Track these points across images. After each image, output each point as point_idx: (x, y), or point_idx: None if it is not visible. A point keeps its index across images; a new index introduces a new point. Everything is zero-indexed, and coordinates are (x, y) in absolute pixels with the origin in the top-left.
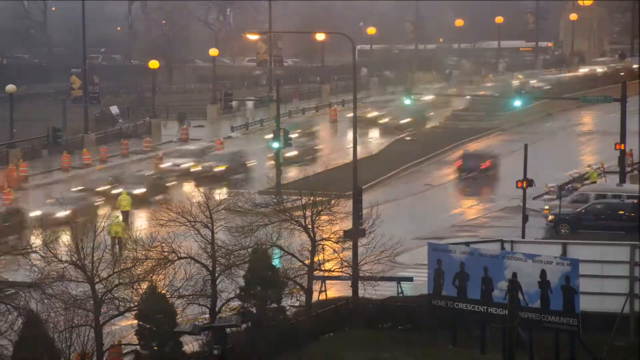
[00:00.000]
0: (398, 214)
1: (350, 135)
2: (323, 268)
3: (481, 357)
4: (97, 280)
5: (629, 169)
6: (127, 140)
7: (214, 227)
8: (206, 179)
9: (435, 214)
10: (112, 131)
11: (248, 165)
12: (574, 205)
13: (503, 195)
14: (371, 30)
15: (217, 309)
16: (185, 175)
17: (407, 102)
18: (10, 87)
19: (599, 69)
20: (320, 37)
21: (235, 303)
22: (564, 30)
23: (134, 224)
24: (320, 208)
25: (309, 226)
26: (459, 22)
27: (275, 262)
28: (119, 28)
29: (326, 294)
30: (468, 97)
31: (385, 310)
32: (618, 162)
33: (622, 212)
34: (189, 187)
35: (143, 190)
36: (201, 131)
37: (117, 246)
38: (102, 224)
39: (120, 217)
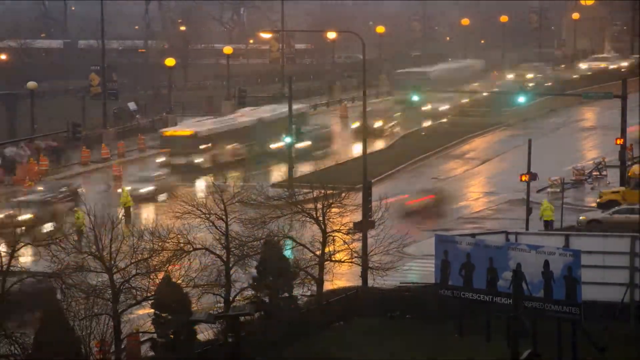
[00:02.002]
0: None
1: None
2: (334, 259)
3: (486, 344)
4: (115, 270)
5: (629, 162)
6: (144, 135)
7: (228, 219)
8: None
9: (441, 207)
10: (130, 126)
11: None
12: None
13: (507, 189)
14: (380, 29)
15: (230, 298)
16: None
17: (415, 98)
18: (32, 84)
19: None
20: (331, 35)
21: (249, 293)
22: (566, 29)
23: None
24: (331, 201)
25: (320, 218)
26: (465, 22)
27: (287, 253)
28: (136, 27)
29: None
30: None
31: (393, 299)
32: (619, 156)
33: None
34: None
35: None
36: None
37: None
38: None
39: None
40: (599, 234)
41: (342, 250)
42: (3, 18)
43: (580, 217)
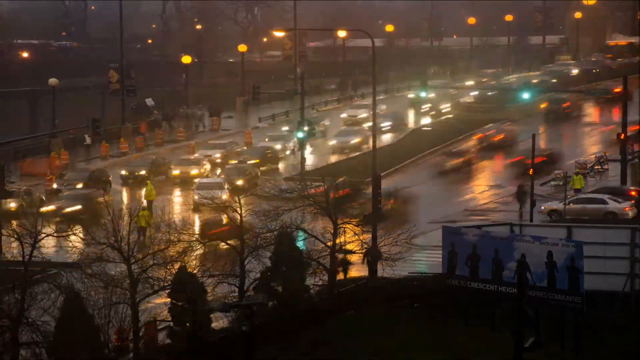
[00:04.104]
0: (414, 199)
1: None
2: (344, 249)
3: (492, 333)
4: (133, 261)
5: (630, 157)
6: (161, 130)
7: (242, 211)
8: None
9: (449, 199)
10: (148, 121)
11: None
12: None
13: (512, 182)
14: (389, 28)
15: (245, 288)
16: None
17: (423, 94)
18: (53, 81)
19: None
20: (341, 34)
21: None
22: (569, 28)
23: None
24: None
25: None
26: (471, 20)
27: (300, 244)
28: (153, 25)
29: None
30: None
31: (401, 289)
32: (620, 150)
33: None
34: None
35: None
36: (231, 122)
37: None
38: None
39: (145, 204)
40: (600, 226)
41: (352, 241)
42: (26, 17)
43: (542, 207)
